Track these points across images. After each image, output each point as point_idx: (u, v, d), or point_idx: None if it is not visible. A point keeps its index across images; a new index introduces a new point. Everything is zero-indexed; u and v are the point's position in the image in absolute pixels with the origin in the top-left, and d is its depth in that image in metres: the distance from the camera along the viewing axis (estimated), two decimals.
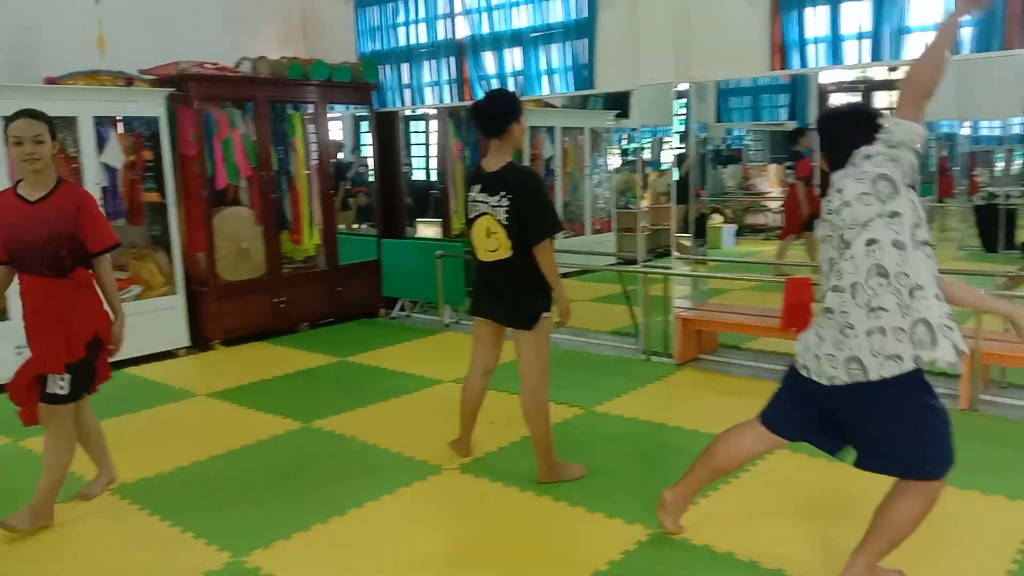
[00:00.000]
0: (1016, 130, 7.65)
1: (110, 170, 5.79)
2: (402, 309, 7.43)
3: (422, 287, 7.06)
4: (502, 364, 3.87)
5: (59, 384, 3.25)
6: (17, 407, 3.36)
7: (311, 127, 6.95)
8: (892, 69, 8.95)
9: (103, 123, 5.75)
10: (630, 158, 8.94)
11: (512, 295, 3.52)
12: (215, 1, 7.15)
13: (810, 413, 2.66)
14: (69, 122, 5.57)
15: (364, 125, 7.86)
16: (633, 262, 6.20)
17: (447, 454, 3.96)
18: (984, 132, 7.56)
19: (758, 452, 2.92)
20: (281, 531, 3.23)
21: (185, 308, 6.19)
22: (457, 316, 6.98)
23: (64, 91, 5.61)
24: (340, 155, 8.40)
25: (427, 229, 8.11)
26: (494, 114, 3.47)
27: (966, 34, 4.65)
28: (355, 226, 8.17)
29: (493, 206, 3.44)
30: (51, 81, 5.73)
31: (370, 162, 7.63)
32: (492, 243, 3.48)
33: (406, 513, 3.42)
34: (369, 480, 3.73)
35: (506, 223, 3.42)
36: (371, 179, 7.64)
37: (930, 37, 2.57)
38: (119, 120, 5.94)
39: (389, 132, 7.59)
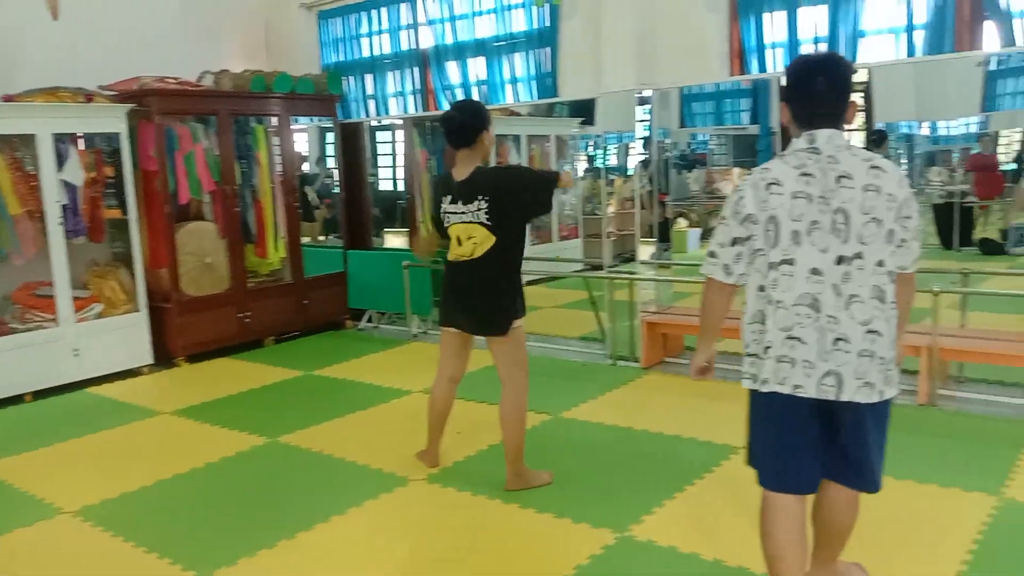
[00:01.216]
0: (973, 129, 7.80)
1: (70, 187, 5.70)
2: (369, 320, 7.41)
3: (389, 298, 7.04)
4: (468, 372, 3.87)
5: None
6: None
7: (275, 140, 6.92)
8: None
9: (63, 140, 5.66)
10: (597, 165, 9.00)
11: (485, 300, 3.52)
12: (176, 15, 7.10)
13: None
14: (28, 140, 5.50)
15: (329, 136, 7.83)
16: (600, 268, 6.24)
17: (414, 465, 3.95)
18: (942, 132, 7.70)
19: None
20: (246, 549, 3.20)
21: (148, 325, 6.12)
22: (425, 326, 6.97)
23: (22, 108, 5.52)
24: (305, 167, 8.36)
25: (394, 239, 8.09)
26: (464, 125, 3.49)
27: (919, 37, 4.76)
28: (321, 238, 8.13)
29: (473, 212, 3.45)
30: (8, 98, 5.65)
31: (336, 174, 7.61)
32: (467, 248, 3.50)
33: (373, 526, 3.41)
34: (336, 494, 3.71)
35: (490, 223, 3.43)
36: (337, 190, 7.61)
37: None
38: (80, 137, 5.87)
39: (354, 143, 7.58)
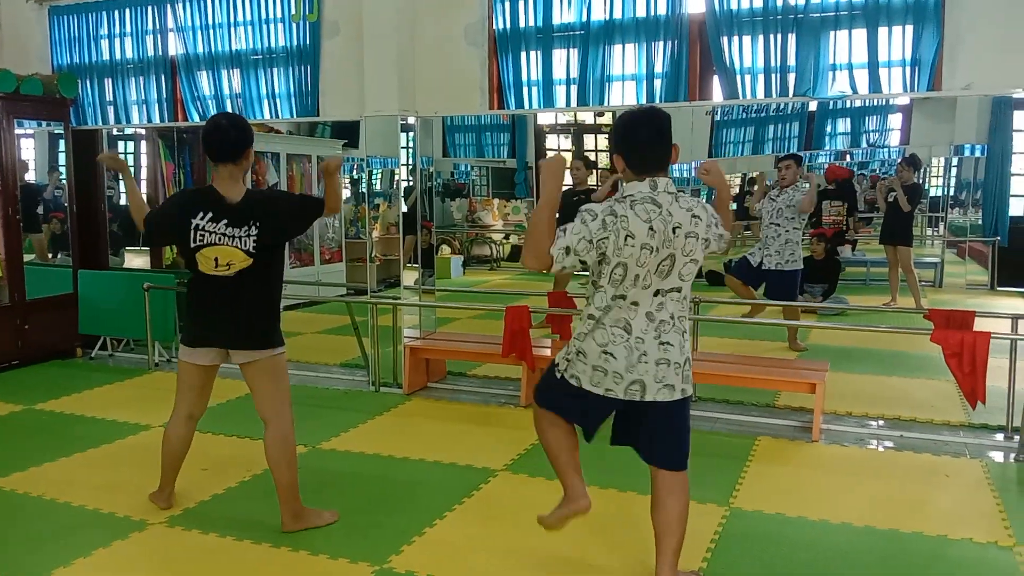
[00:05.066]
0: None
1: None
2: (104, 348, 6.72)
3: (127, 323, 6.44)
4: (214, 404, 3.61)
5: None
6: None
7: None
8: (599, 114, 9.77)
9: None
10: (361, 189, 8.90)
11: (251, 312, 3.29)
12: None
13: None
14: None
15: (63, 144, 7.06)
16: (364, 292, 6.14)
17: (153, 507, 3.59)
18: (675, 175, 8.50)
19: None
20: None
21: None
22: (168, 354, 6.44)
23: None
24: (30, 176, 7.47)
25: (136, 259, 7.45)
26: (237, 139, 3.26)
27: (658, 85, 5.21)
28: (49, 256, 7.28)
29: (239, 237, 3.21)
30: None
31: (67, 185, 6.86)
32: (222, 270, 3.25)
33: None
34: (60, 544, 3.28)
35: (254, 251, 3.22)
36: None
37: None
38: None
39: (90, 152, 6.87)
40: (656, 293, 2.62)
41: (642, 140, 2.63)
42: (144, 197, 6.50)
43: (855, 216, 9.13)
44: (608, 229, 2.54)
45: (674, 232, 2.57)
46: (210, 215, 3.23)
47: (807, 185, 6.38)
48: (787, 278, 6.36)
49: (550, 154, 9.58)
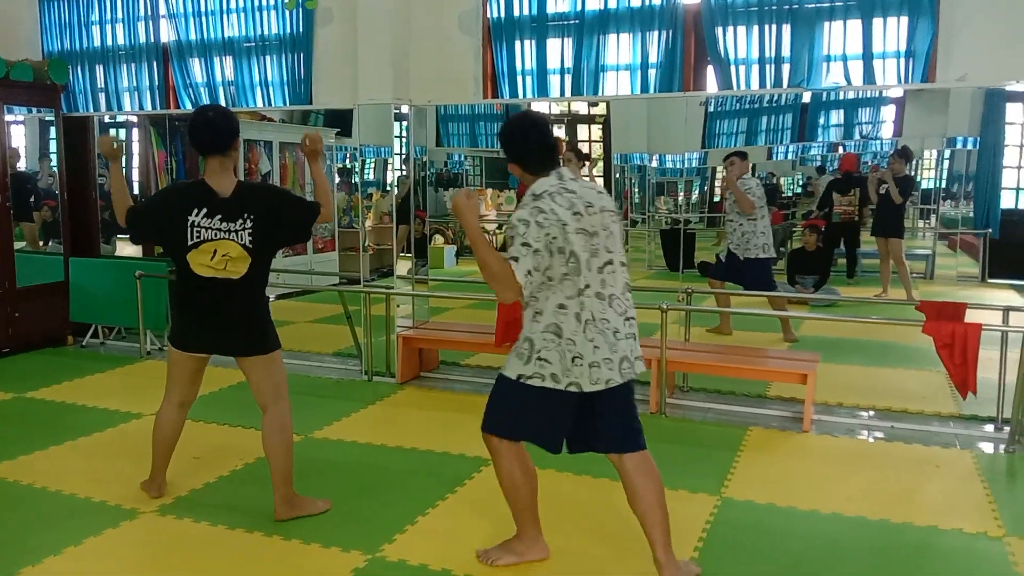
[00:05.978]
0: (694, 163, 8.68)
1: None
2: (95, 336, 6.70)
3: (119, 311, 6.42)
4: (205, 393, 3.60)
5: None
6: None
7: None
8: (593, 104, 9.75)
9: None
10: (354, 178, 8.88)
11: (246, 319, 3.30)
12: None
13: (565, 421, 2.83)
14: None
15: (54, 131, 7.01)
16: (356, 282, 6.13)
17: (145, 496, 3.59)
18: (669, 165, 8.49)
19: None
20: None
21: None
22: (160, 342, 6.43)
23: None
24: (21, 164, 7.42)
25: (128, 247, 7.40)
26: (227, 130, 3.25)
27: (652, 75, 5.20)
28: (40, 243, 7.24)
29: (235, 231, 3.20)
30: None
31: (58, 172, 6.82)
32: (218, 262, 3.22)
33: (96, 567, 3.04)
34: (50, 532, 3.28)
35: (251, 245, 3.22)
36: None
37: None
38: None
39: (80, 139, 6.85)
40: (599, 271, 2.70)
41: (533, 143, 2.75)
42: (136, 186, 6.42)
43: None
44: (545, 227, 2.60)
45: (590, 210, 2.69)
46: (205, 211, 3.22)
47: (751, 183, 6.43)
48: (756, 266, 6.40)
49: None
